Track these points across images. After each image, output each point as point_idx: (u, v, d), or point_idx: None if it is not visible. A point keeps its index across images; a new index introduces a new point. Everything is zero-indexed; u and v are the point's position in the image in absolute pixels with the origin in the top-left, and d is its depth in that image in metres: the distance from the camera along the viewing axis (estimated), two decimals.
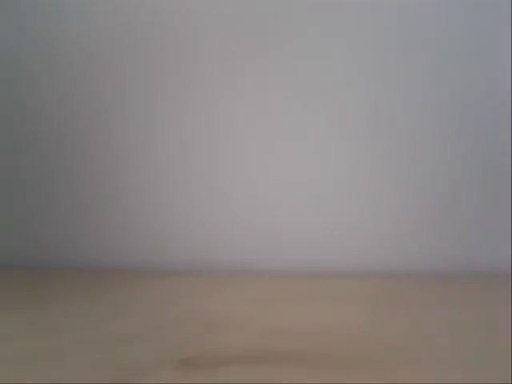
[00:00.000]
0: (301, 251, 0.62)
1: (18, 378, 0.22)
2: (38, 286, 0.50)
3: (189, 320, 0.34)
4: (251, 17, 0.64)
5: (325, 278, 0.56)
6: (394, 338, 0.29)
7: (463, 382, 0.21)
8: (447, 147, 0.59)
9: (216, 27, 0.65)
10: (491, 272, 0.58)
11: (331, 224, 0.62)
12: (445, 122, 0.60)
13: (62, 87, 0.69)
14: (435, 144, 0.60)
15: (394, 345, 0.28)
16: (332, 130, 0.62)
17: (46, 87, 0.69)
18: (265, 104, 0.64)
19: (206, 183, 0.65)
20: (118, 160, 0.67)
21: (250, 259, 0.63)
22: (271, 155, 0.63)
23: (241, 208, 0.64)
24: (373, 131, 0.61)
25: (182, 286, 0.50)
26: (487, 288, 0.48)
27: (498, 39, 0.58)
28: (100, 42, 0.68)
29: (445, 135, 0.60)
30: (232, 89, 0.64)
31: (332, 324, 0.33)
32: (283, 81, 0.63)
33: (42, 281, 0.54)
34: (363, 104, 0.61)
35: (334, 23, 0.62)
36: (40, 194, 0.69)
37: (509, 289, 0.47)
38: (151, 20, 0.66)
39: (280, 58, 0.63)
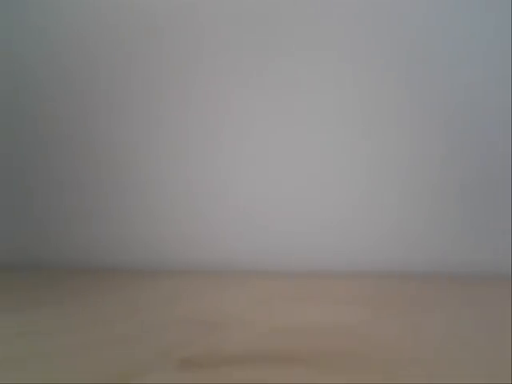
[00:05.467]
0: (301, 251, 0.62)
1: (18, 377, 0.22)
2: (38, 286, 0.50)
3: (189, 320, 0.34)
4: (253, 17, 0.64)
5: (325, 278, 0.56)
6: (394, 338, 0.29)
7: (463, 382, 0.21)
8: (447, 148, 0.59)
9: (218, 29, 0.65)
10: (491, 272, 0.58)
11: (331, 224, 0.62)
12: (445, 122, 0.60)
13: (65, 89, 0.69)
14: (435, 145, 0.60)
15: (394, 345, 0.28)
16: (333, 131, 0.62)
17: (50, 90, 0.69)
18: (265, 104, 0.64)
19: (207, 184, 0.65)
20: (118, 161, 0.67)
21: (250, 259, 0.63)
22: (271, 157, 0.63)
23: (241, 209, 0.64)
24: (373, 133, 0.61)
25: (182, 286, 0.50)
26: (487, 288, 0.48)
27: (498, 39, 0.58)
28: (103, 45, 0.68)
29: (445, 136, 0.60)
30: (233, 90, 0.64)
31: (332, 324, 0.33)
32: (283, 81, 0.63)
33: (42, 281, 0.54)
34: (365, 104, 0.61)
35: (335, 23, 0.62)
36: (40, 195, 0.69)
37: (509, 289, 0.47)
38: (154, 21, 0.66)
39: (280, 59, 0.63)
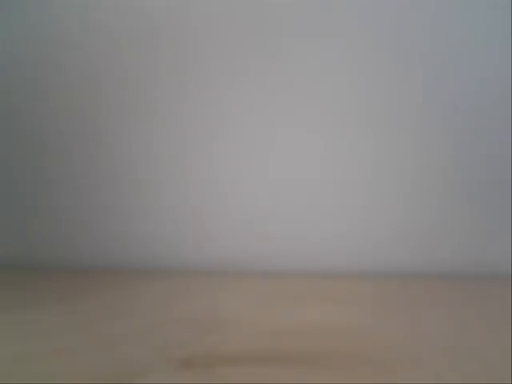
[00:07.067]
0: (301, 251, 0.62)
1: (18, 377, 0.22)
2: (38, 286, 0.50)
3: (188, 320, 0.34)
4: (251, 16, 0.64)
5: (325, 278, 0.56)
6: (394, 338, 0.29)
7: (463, 382, 0.21)
8: (448, 149, 0.59)
9: (215, 26, 0.65)
10: (491, 272, 0.58)
11: (331, 224, 0.62)
12: (446, 123, 0.60)
13: (63, 89, 0.69)
14: (436, 146, 0.60)
15: (394, 345, 0.28)
16: (335, 132, 0.62)
17: (49, 90, 0.69)
18: (264, 104, 0.64)
19: (207, 184, 0.65)
20: (117, 161, 0.67)
21: (249, 259, 0.63)
22: (271, 156, 0.63)
23: (241, 209, 0.64)
24: (375, 132, 0.61)
25: (181, 286, 0.50)
26: (487, 288, 0.48)
27: (498, 40, 0.58)
28: (100, 45, 0.68)
29: (445, 137, 0.60)
30: (231, 90, 0.64)
31: (332, 324, 0.33)
32: (282, 81, 0.63)
33: (42, 281, 0.54)
34: (369, 105, 0.61)
35: (334, 23, 0.62)
36: (40, 195, 0.69)
37: (509, 289, 0.47)
38: (154, 21, 0.66)
39: (279, 58, 0.63)
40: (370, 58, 0.61)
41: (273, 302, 0.41)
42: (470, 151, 0.59)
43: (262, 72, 0.64)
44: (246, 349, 0.27)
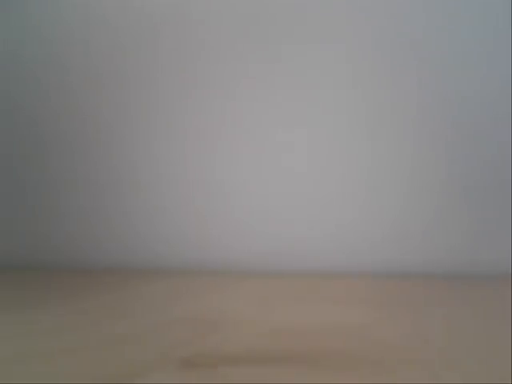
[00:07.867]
0: (301, 251, 0.62)
1: (18, 377, 0.22)
2: (38, 286, 0.50)
3: (189, 320, 0.34)
4: (251, 16, 0.64)
5: (325, 278, 0.56)
6: (394, 338, 0.29)
7: (463, 382, 0.21)
8: (447, 148, 0.59)
9: (217, 26, 0.65)
10: (491, 272, 0.58)
11: (331, 224, 0.62)
12: (445, 122, 0.60)
13: (64, 89, 0.69)
14: (435, 145, 0.60)
15: (394, 345, 0.28)
16: (334, 132, 0.62)
17: (49, 89, 0.69)
18: (265, 105, 0.64)
19: (207, 184, 0.65)
20: (118, 161, 0.67)
21: (250, 259, 0.63)
22: (271, 157, 0.63)
23: (241, 209, 0.64)
24: (374, 133, 0.61)
25: (182, 286, 0.50)
26: (487, 288, 0.48)
27: (498, 40, 0.58)
28: (101, 45, 0.68)
29: (445, 137, 0.60)
30: (232, 90, 0.64)
31: (332, 324, 0.33)
32: (284, 81, 0.63)
33: (42, 281, 0.54)
34: (367, 104, 0.61)
35: (334, 26, 0.62)
36: (41, 195, 0.69)
37: (509, 289, 0.47)
38: (151, 21, 0.66)
39: (281, 58, 0.63)
40: (369, 60, 0.61)
41: (273, 302, 0.41)
42: (469, 151, 0.59)
43: (263, 72, 0.64)
44: (247, 349, 0.27)
